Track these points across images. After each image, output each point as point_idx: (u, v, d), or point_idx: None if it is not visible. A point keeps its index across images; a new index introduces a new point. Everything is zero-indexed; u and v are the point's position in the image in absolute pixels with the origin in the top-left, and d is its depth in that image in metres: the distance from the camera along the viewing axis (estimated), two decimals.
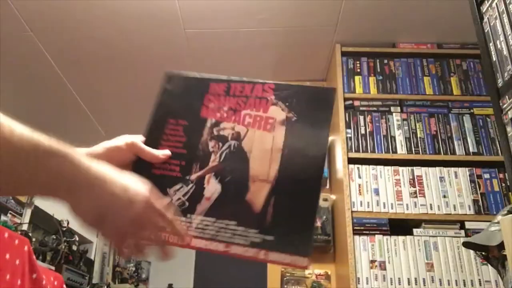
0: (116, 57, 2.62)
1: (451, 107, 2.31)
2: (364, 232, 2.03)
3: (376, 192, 2.11)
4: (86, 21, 2.33)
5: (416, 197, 2.09)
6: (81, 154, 0.56)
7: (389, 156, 2.19)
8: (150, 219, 0.59)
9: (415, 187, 2.11)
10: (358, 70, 2.42)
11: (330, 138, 2.51)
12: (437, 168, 2.15)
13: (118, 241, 0.59)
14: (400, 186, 2.12)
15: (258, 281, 3.10)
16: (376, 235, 2.02)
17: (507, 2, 1.16)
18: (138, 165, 0.69)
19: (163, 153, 0.70)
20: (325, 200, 2.36)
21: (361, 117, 2.29)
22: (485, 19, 1.27)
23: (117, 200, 0.56)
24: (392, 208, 2.07)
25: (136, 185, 0.59)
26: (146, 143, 0.70)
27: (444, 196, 2.09)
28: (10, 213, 3.06)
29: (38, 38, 2.45)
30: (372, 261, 1.98)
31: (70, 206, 0.56)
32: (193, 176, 0.67)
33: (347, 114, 2.29)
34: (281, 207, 0.62)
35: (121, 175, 0.59)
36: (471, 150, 2.20)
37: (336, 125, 2.35)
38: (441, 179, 2.13)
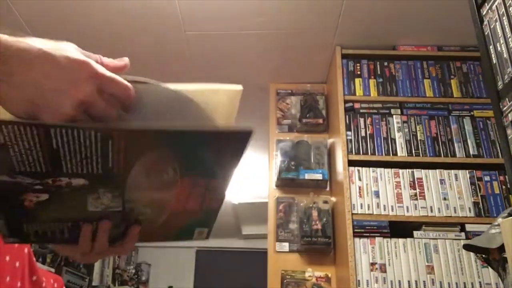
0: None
1: (451, 110, 2.31)
2: (364, 234, 2.03)
3: (377, 194, 2.10)
4: (86, 22, 2.34)
5: (417, 199, 2.09)
6: None
7: (390, 158, 2.19)
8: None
9: (415, 189, 2.11)
10: (358, 72, 2.42)
11: (331, 140, 2.51)
12: (438, 171, 2.15)
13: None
14: (401, 189, 2.12)
15: (258, 283, 3.10)
16: (376, 238, 2.02)
17: (507, 4, 1.16)
18: None
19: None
20: (326, 202, 2.36)
21: (361, 120, 2.29)
22: (485, 22, 1.27)
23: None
24: (392, 211, 2.07)
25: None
26: None
27: (445, 199, 2.09)
28: None
29: None
30: (372, 264, 1.98)
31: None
32: None
33: (347, 116, 2.29)
34: None
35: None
36: (471, 152, 2.19)
37: (336, 127, 2.35)
38: (442, 181, 2.13)
